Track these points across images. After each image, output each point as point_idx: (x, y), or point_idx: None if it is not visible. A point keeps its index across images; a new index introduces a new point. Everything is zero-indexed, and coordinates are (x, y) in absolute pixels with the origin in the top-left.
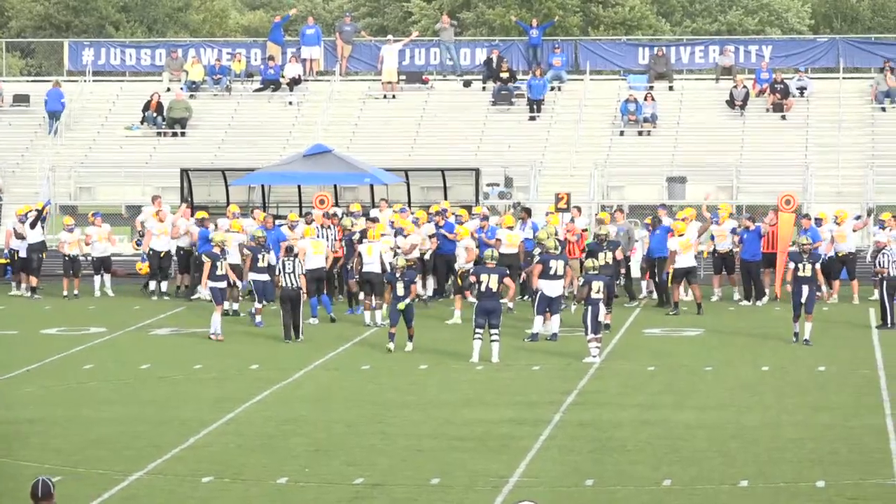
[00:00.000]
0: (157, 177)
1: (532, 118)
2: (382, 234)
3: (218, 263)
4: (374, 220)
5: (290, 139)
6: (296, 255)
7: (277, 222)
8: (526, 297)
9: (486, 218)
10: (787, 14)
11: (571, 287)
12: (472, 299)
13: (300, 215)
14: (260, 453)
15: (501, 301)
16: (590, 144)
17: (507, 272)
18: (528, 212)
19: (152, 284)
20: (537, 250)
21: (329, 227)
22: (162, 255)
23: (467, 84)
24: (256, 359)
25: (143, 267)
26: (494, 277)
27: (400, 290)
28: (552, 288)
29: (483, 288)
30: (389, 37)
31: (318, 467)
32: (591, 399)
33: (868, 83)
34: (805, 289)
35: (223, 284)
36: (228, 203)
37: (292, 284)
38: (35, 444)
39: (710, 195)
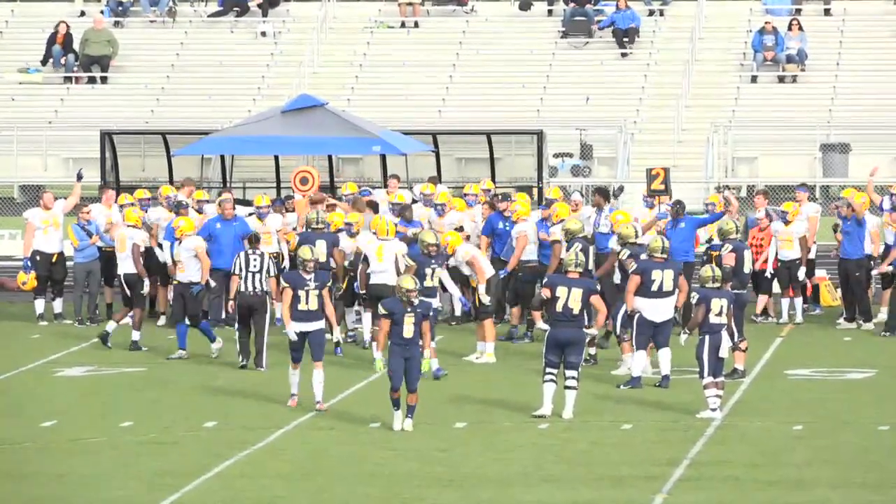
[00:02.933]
0: (65, 142)
1: (623, 55)
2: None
3: (301, 294)
4: (375, 205)
5: (264, 87)
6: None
7: (241, 212)
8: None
9: (548, 205)
10: None
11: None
12: (542, 325)
13: (279, 198)
14: None
15: (587, 330)
16: (706, 95)
17: (598, 288)
18: (604, 194)
19: (39, 305)
20: (624, 253)
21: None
22: (53, 258)
23: (525, 6)
24: (213, 412)
25: (29, 279)
26: (578, 293)
27: (408, 330)
28: (657, 310)
29: (560, 307)
30: None
31: None
32: (708, 473)
33: None
34: None
35: (312, 326)
36: (171, 181)
37: (255, 288)
38: None
39: (878, 169)
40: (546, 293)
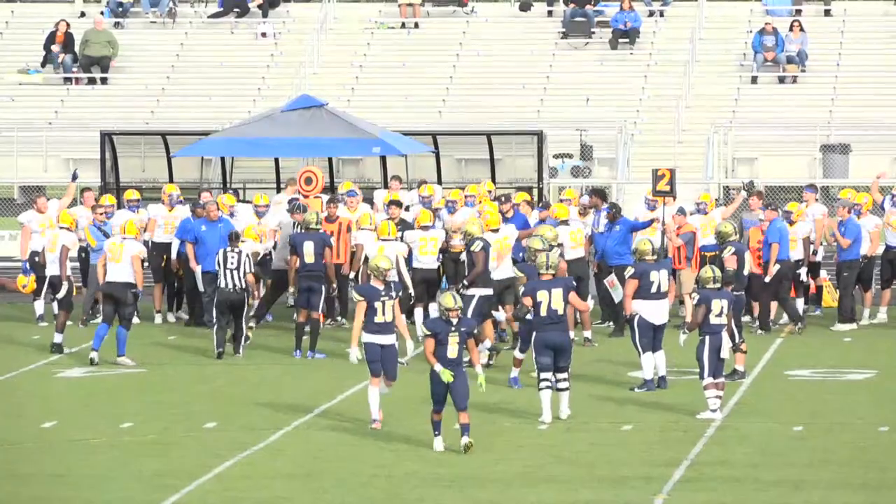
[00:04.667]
0: (65, 143)
1: (622, 57)
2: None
3: (377, 305)
4: (398, 205)
5: (264, 88)
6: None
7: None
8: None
9: (546, 206)
10: None
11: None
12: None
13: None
14: None
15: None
16: (706, 96)
17: (575, 284)
18: (601, 195)
19: (39, 306)
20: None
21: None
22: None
23: (525, 7)
24: (213, 413)
25: (29, 282)
26: (557, 293)
27: (453, 351)
28: (655, 311)
29: (543, 311)
30: None
31: None
32: (709, 474)
33: None
34: None
35: (388, 339)
36: (172, 181)
37: (234, 285)
38: None
39: (885, 173)
40: (527, 302)
